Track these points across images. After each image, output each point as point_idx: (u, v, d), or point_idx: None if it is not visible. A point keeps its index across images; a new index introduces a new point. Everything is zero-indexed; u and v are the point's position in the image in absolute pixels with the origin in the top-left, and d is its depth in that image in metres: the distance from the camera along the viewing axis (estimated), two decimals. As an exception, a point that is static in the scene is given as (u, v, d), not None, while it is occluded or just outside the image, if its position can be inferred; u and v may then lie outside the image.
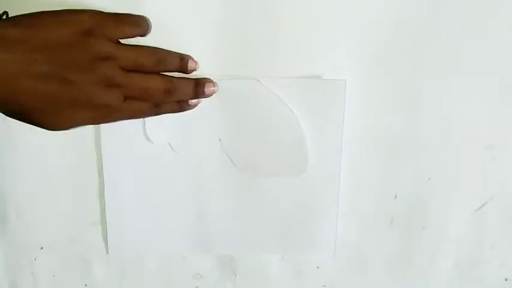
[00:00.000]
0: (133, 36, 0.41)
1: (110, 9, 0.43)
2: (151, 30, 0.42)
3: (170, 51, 0.42)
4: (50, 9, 0.38)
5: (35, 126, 0.39)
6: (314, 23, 0.45)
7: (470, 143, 0.49)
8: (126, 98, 0.40)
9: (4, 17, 0.39)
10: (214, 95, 0.44)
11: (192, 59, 0.43)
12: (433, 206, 0.51)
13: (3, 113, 0.38)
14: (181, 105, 0.44)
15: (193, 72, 0.43)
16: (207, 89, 0.44)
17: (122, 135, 0.46)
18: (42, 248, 0.48)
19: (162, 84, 0.41)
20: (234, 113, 0.47)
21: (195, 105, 0.44)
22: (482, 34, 0.46)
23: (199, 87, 0.44)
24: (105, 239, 0.50)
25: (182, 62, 0.43)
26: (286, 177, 0.49)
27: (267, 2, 0.44)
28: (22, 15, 0.38)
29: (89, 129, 0.46)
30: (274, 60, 0.46)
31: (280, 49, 0.46)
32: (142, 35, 0.41)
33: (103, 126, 0.46)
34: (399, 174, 0.50)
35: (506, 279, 0.53)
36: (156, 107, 0.42)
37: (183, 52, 0.43)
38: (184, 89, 0.43)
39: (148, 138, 0.47)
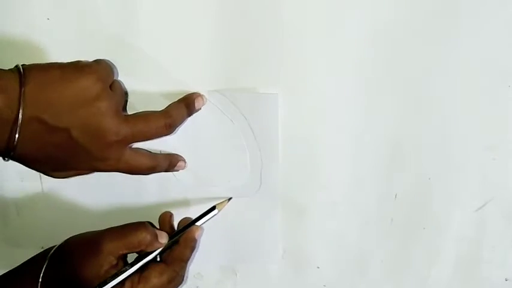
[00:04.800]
0: None
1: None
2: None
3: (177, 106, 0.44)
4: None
5: None
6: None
7: (470, 143, 0.49)
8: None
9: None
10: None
11: (199, 96, 0.45)
12: (433, 206, 0.51)
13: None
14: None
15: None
16: (197, 104, 0.45)
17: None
18: (42, 247, 0.48)
19: (162, 121, 0.42)
20: None
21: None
22: (482, 34, 0.46)
23: (190, 107, 0.45)
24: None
25: (188, 109, 0.45)
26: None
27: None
28: (34, 67, 0.38)
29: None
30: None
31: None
32: None
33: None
34: (399, 174, 0.50)
35: (506, 279, 0.53)
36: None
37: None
38: (180, 116, 0.44)
39: None
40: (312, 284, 0.53)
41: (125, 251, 0.44)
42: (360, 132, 0.48)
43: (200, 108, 0.46)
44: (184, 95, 0.46)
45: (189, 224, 0.47)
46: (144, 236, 0.44)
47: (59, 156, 0.39)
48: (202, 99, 0.46)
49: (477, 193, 0.50)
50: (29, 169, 0.48)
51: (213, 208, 0.47)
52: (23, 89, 0.36)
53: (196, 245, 0.47)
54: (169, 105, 0.45)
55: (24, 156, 0.38)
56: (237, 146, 0.48)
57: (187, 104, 0.45)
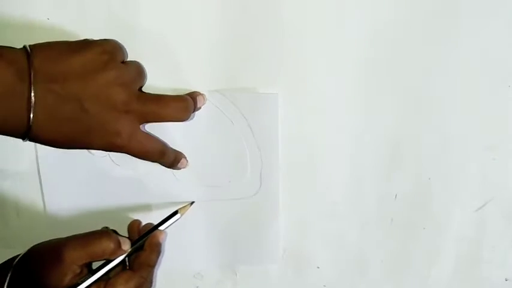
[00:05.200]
0: None
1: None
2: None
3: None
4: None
5: None
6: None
7: (470, 143, 0.49)
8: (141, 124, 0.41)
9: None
10: None
11: (200, 95, 0.45)
12: (433, 206, 0.51)
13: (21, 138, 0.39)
14: None
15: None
16: (199, 102, 0.45)
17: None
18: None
19: (179, 103, 0.42)
20: (175, 126, 0.46)
21: None
22: (483, 34, 0.46)
23: (194, 103, 0.45)
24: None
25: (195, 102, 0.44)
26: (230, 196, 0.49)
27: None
28: (40, 44, 0.39)
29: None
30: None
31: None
32: None
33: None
34: (399, 174, 0.50)
35: (506, 279, 0.53)
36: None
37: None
38: (192, 105, 0.44)
39: (88, 150, 0.47)
40: (312, 284, 0.53)
41: (88, 260, 0.43)
42: (360, 132, 0.49)
43: (200, 107, 0.46)
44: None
45: (151, 229, 0.47)
46: (108, 245, 0.43)
47: (74, 132, 0.39)
48: (203, 98, 0.46)
49: (477, 193, 0.50)
50: (29, 169, 0.48)
51: (176, 213, 0.47)
52: (31, 61, 0.37)
53: (162, 250, 0.47)
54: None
55: (41, 134, 0.38)
56: (237, 146, 0.48)
57: (192, 98, 0.45)
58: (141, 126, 0.41)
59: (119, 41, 0.42)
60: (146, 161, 0.44)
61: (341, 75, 0.47)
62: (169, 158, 0.45)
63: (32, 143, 0.47)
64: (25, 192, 0.49)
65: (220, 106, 0.47)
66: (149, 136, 0.43)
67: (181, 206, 0.48)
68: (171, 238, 0.50)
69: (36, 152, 0.47)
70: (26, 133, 0.38)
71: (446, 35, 0.46)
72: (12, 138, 0.47)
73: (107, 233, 0.44)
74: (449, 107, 0.48)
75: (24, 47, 0.38)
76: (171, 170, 0.48)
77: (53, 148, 0.47)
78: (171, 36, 0.45)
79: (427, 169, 0.50)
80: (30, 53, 0.37)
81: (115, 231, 0.46)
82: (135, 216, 0.49)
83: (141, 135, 0.41)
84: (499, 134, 0.49)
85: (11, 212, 0.50)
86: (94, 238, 0.43)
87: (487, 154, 0.49)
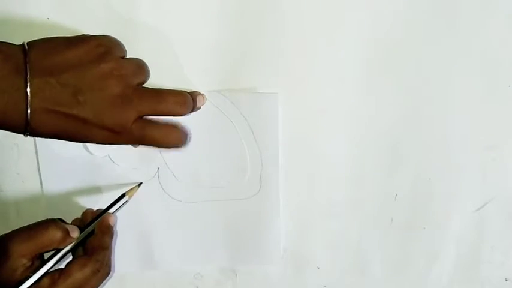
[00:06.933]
0: None
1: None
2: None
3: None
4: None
5: None
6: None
7: (470, 143, 0.49)
8: (139, 117, 0.41)
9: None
10: None
11: (200, 95, 0.45)
12: (433, 206, 0.51)
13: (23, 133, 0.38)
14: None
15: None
16: (199, 102, 0.45)
17: (60, 145, 0.42)
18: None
19: (179, 97, 0.42)
20: None
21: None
22: (482, 34, 0.46)
23: (194, 102, 0.44)
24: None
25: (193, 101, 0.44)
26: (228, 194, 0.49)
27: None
28: (37, 40, 0.39)
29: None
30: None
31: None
32: None
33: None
34: (399, 174, 0.50)
35: (506, 280, 0.53)
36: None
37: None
38: (191, 101, 0.43)
39: (88, 150, 0.47)
40: (312, 284, 0.53)
41: (37, 251, 0.42)
42: (360, 132, 0.49)
43: (200, 107, 0.46)
44: None
45: (100, 213, 0.46)
46: (55, 234, 0.42)
47: (72, 124, 0.39)
48: (203, 98, 0.46)
49: (477, 193, 0.50)
50: (29, 170, 0.48)
51: (123, 195, 0.47)
52: (27, 55, 0.37)
53: (114, 232, 0.46)
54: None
55: (40, 127, 0.38)
56: (237, 146, 0.48)
57: (193, 98, 0.44)
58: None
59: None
60: (146, 162, 0.44)
61: (341, 75, 0.47)
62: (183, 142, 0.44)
63: (32, 143, 0.47)
64: (25, 192, 0.49)
65: (220, 106, 0.47)
66: (155, 124, 0.42)
67: (128, 189, 0.47)
68: (171, 238, 0.50)
69: (36, 152, 0.47)
70: (25, 127, 0.38)
71: (446, 35, 0.46)
72: (12, 138, 0.47)
73: (53, 222, 0.43)
74: (449, 106, 0.48)
75: (23, 43, 0.38)
76: (171, 170, 0.48)
77: (53, 148, 0.47)
78: (171, 36, 0.45)
79: (427, 169, 0.50)
80: (27, 48, 0.38)
81: (62, 220, 0.45)
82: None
83: (140, 128, 0.41)
84: (499, 134, 0.49)
85: (11, 211, 0.50)
86: (40, 228, 0.43)
87: (487, 154, 0.49)
